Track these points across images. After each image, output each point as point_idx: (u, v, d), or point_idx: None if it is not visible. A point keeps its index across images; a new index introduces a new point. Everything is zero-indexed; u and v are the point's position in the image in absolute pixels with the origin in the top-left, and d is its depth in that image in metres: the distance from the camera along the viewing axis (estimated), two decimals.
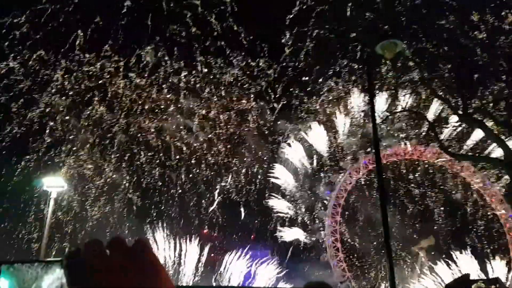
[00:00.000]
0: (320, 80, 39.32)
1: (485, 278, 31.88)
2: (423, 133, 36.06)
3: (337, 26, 35.94)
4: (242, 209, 42.39)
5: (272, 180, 40.13)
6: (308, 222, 39.25)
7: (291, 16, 38.25)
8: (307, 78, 39.67)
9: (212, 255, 39.10)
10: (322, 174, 39.61)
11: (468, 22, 31.51)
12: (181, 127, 42.42)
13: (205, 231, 40.84)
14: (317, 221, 38.57)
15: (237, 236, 41.36)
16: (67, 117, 40.56)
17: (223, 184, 42.71)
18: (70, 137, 40.64)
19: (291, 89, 40.87)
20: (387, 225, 12.34)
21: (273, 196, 39.78)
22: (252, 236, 40.63)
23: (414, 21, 31.53)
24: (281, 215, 39.41)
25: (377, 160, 13.12)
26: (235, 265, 38.28)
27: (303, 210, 39.70)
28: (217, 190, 42.51)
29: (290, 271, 37.77)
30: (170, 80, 41.86)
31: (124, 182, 41.91)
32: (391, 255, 12.32)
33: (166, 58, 41.38)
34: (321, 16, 36.80)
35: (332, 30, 36.40)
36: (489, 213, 35.18)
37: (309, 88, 39.89)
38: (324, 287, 3.31)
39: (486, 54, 29.79)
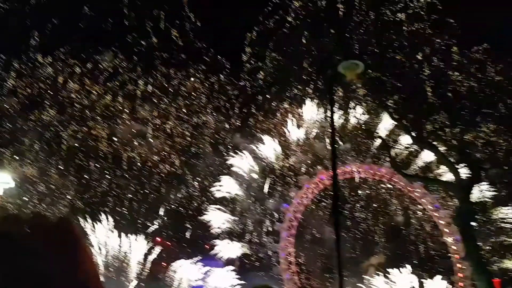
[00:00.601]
0: (277, 100, 40.21)
1: None
2: (375, 152, 37.43)
3: (295, 49, 37.06)
4: (189, 222, 42.15)
5: (222, 194, 40.29)
6: (256, 236, 39.55)
7: (252, 35, 39.01)
8: (264, 96, 40.49)
9: (163, 264, 38.63)
10: (275, 189, 40.20)
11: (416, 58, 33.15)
12: (134, 137, 41.95)
13: (157, 238, 40.31)
14: (265, 237, 38.96)
15: (190, 245, 41.03)
16: (16, 119, 39.31)
17: (173, 195, 42.44)
18: (17, 139, 39.34)
19: (248, 106, 41.52)
20: (339, 241, 12.90)
21: (215, 208, 39.84)
22: (206, 246, 40.33)
23: (367, 50, 32.95)
24: (223, 229, 39.39)
25: (334, 176, 13.73)
26: (185, 274, 38.02)
27: (251, 224, 39.97)
28: (167, 200, 42.16)
29: (243, 282, 37.79)
30: (126, 88, 41.46)
31: (71, 188, 40.83)
32: (341, 271, 12.90)
33: (124, 65, 41.04)
34: (281, 38, 37.77)
35: (291, 53, 37.48)
36: (433, 236, 36.59)
37: (266, 106, 40.67)
38: None
39: (434, 88, 31.45)
